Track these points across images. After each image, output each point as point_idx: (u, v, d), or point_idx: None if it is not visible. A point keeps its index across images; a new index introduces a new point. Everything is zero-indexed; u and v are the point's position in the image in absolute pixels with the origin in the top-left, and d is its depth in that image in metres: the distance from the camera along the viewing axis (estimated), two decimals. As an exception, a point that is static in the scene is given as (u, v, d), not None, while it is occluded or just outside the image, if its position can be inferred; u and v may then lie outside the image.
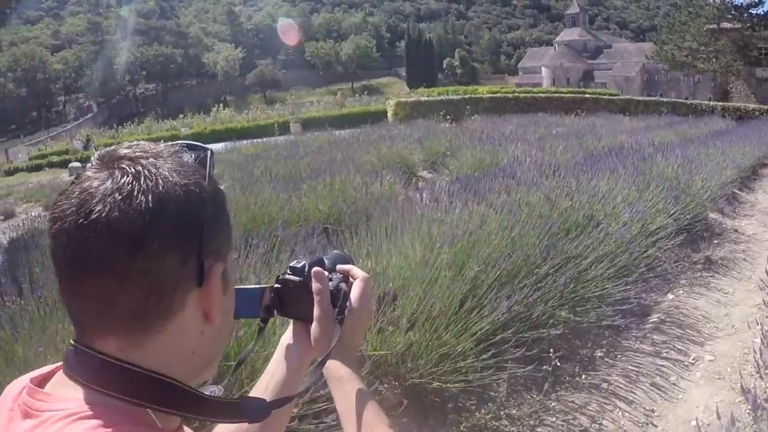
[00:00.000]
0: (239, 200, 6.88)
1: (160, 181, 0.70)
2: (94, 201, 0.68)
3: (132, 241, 0.67)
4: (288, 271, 1.09)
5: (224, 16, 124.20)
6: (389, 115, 31.26)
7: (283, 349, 1.11)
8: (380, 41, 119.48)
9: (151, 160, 0.72)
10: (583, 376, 3.96)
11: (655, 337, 4.58)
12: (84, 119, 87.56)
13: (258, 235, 4.33)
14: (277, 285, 1.09)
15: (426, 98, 33.15)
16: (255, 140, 19.71)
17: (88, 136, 40.84)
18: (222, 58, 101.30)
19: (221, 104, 55.26)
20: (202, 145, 0.81)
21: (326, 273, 1.09)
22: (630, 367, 4.14)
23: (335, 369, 1.02)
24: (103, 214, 0.67)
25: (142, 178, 0.69)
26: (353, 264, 1.16)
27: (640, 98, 37.31)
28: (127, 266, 0.67)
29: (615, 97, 35.11)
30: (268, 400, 1.02)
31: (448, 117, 24.11)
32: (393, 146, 12.98)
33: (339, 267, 1.13)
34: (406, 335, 3.31)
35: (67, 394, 0.71)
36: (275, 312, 1.10)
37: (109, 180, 0.69)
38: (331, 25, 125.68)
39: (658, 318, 4.86)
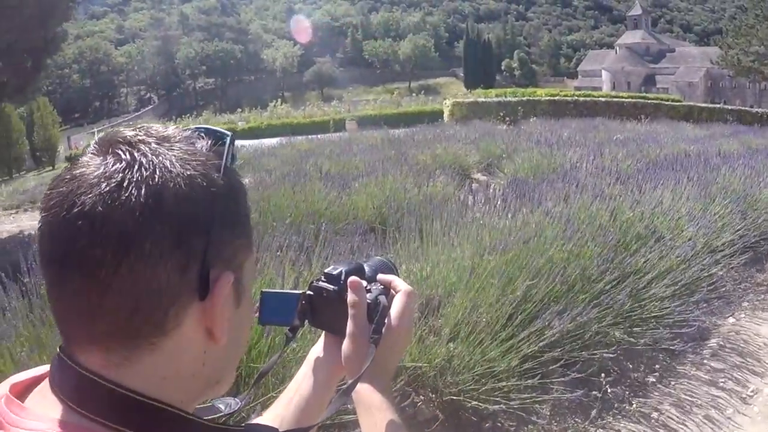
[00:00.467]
0: (287, 195, 6.87)
1: (158, 171, 0.59)
2: (80, 191, 0.58)
3: (117, 241, 0.57)
4: (322, 278, 0.98)
5: (284, 14, 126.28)
6: (446, 115, 31.12)
7: (312, 362, 1.02)
8: (438, 41, 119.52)
9: (153, 145, 0.62)
10: (634, 404, 3.71)
11: (712, 364, 4.27)
12: (144, 110, 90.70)
13: (303, 231, 4.29)
14: (309, 292, 0.98)
15: (483, 99, 32.93)
16: (310, 136, 19.89)
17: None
18: (281, 54, 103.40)
19: (278, 100, 55.92)
20: (221, 130, 0.69)
21: (365, 283, 0.97)
22: (683, 396, 3.85)
23: (365, 394, 0.91)
24: (87, 208, 0.57)
25: (137, 167, 0.59)
26: (397, 273, 1.05)
27: (704, 105, 36.23)
28: (111, 271, 0.57)
29: (677, 104, 34.10)
30: (289, 416, 0.97)
31: (506, 119, 23.83)
32: (448, 147, 12.87)
33: (380, 277, 1.01)
34: (447, 347, 3.16)
35: (42, 411, 0.61)
36: (305, 321, 1.00)
37: (102, 167, 0.59)
38: (390, 24, 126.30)
39: (716, 343, 4.55)
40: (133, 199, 0.57)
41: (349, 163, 10.64)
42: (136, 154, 0.60)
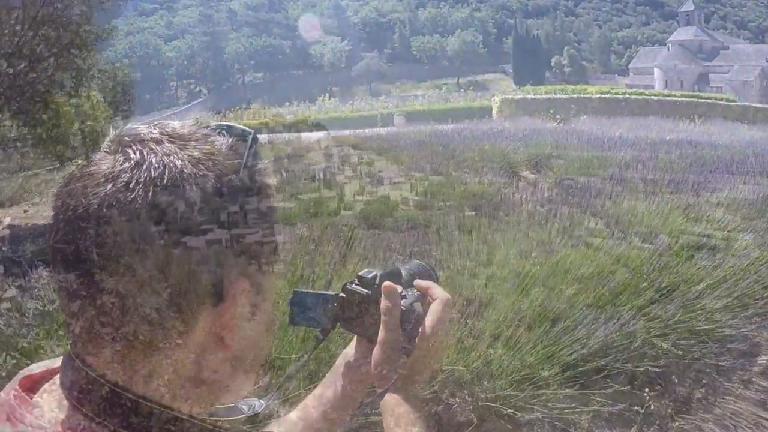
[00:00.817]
0: (328, 189, 6.90)
1: (168, 171, 0.57)
2: (87, 191, 0.56)
3: (121, 244, 0.55)
4: (356, 281, 0.94)
5: (331, 10, 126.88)
6: (494, 111, 30.99)
7: (341, 366, 1.00)
8: (487, 37, 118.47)
9: (166, 144, 0.59)
10: (676, 421, 3.58)
11: (761, 382, 4.10)
12: (194, 103, 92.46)
13: (345, 228, 4.28)
14: (341, 294, 0.94)
15: (532, 96, 32.67)
16: (357, 131, 19.95)
17: (196, 119, 43.28)
18: (329, 50, 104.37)
19: (327, 94, 56.34)
20: (243, 127, 0.66)
21: (400, 288, 0.92)
22: (728, 416, 3.70)
23: (393, 405, 0.87)
24: (92, 209, 0.55)
25: (145, 166, 0.57)
26: (436, 279, 1.00)
27: (759, 105, 35.20)
28: (115, 275, 0.55)
29: (732, 103, 33.19)
30: (314, 420, 0.96)
31: (556, 116, 23.54)
32: (496, 143, 12.76)
33: (417, 282, 0.96)
34: (486, 350, 3.09)
35: (47, 410, 0.60)
36: (337, 324, 0.96)
37: (111, 166, 0.58)
38: (438, 20, 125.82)
39: (766, 360, 4.37)
40: (139, 201, 0.55)
41: (397, 158, 10.63)
42: (146, 153, 0.58)
